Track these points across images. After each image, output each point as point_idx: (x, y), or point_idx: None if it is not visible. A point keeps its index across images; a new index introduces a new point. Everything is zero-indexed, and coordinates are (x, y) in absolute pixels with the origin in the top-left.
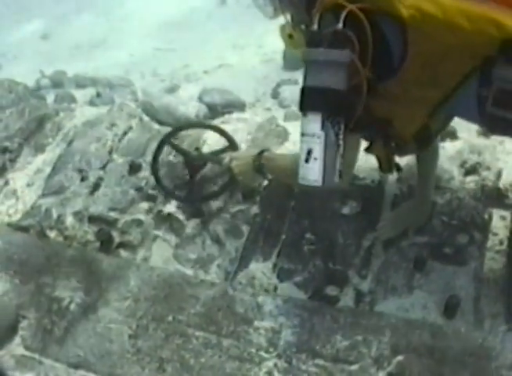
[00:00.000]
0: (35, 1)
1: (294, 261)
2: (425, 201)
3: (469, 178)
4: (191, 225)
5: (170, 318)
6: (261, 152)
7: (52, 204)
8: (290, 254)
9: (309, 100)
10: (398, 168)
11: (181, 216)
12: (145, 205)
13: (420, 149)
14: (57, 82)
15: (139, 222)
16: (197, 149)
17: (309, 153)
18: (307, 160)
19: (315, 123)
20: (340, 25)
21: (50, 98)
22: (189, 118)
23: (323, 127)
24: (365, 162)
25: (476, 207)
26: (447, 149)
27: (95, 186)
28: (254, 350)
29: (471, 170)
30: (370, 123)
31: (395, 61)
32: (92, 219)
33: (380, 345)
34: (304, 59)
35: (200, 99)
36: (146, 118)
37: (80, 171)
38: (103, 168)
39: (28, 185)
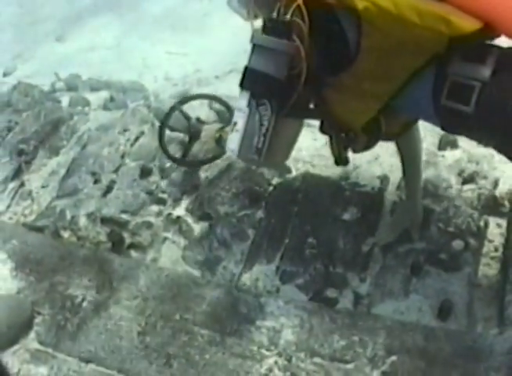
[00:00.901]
0: (50, 2)
1: (296, 264)
2: (415, 201)
3: (466, 187)
4: (199, 228)
5: (177, 316)
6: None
7: (66, 206)
8: (293, 258)
9: (245, 79)
10: (346, 161)
11: (189, 219)
12: (155, 208)
13: (370, 143)
14: (72, 85)
15: (149, 225)
16: (198, 119)
17: (234, 125)
18: (232, 131)
19: (243, 99)
20: (288, 16)
21: (65, 101)
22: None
23: (249, 105)
24: (366, 170)
25: (472, 215)
26: (446, 158)
27: (108, 189)
28: (255, 348)
29: (469, 179)
30: (322, 112)
31: (351, 52)
32: (105, 221)
33: (375, 346)
34: (253, 41)
35: (210, 105)
36: (157, 124)
37: (93, 174)
38: (116, 171)
39: (43, 186)
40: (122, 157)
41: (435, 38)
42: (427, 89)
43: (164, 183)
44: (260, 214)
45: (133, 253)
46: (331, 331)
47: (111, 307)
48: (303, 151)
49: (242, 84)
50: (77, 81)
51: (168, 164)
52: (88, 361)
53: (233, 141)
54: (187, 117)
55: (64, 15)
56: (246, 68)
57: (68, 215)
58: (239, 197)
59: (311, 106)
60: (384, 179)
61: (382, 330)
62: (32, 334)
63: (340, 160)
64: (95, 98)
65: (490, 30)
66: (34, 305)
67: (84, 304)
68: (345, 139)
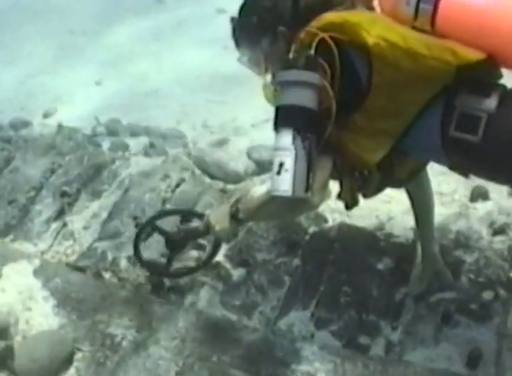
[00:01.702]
0: (89, 46)
1: (331, 311)
2: (430, 248)
3: (497, 238)
4: (237, 274)
5: (214, 358)
6: (239, 198)
7: (108, 248)
8: (328, 305)
9: (281, 117)
10: (356, 203)
11: (228, 265)
12: (194, 253)
13: (382, 184)
14: (112, 130)
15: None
16: (178, 228)
17: (281, 165)
18: (278, 173)
19: (286, 137)
20: (312, 51)
21: (105, 145)
22: (239, 174)
23: (294, 141)
24: (401, 222)
25: (502, 266)
26: (478, 209)
27: (148, 233)
28: None
29: (499, 230)
30: (336, 151)
31: (362, 90)
32: (145, 264)
33: None
34: (277, 80)
35: (249, 155)
36: (197, 172)
37: (135, 218)
38: None
39: (85, 228)
40: (163, 202)
41: (443, 68)
42: (435, 123)
43: None
44: (296, 261)
45: (172, 296)
46: None
47: (150, 347)
48: (339, 202)
49: (277, 125)
50: (117, 126)
51: (208, 210)
52: None
53: (284, 181)
54: (163, 233)
55: (103, 59)
56: (276, 109)
57: (109, 257)
58: (276, 245)
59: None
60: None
61: None
62: (72, 370)
63: (353, 202)
64: (135, 143)
65: (494, 61)
66: (74, 341)
67: (124, 343)
68: (359, 178)
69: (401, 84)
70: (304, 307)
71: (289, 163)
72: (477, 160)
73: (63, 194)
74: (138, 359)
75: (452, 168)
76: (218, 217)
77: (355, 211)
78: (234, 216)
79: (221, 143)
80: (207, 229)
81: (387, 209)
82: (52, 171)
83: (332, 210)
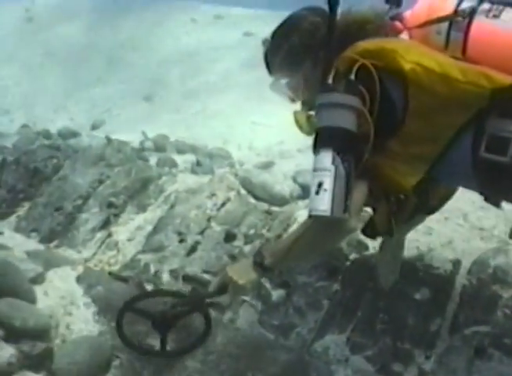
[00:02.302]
0: (139, 62)
1: (366, 337)
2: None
3: None
4: (277, 295)
5: (249, 375)
6: (261, 248)
7: (151, 260)
8: (364, 331)
9: (322, 138)
10: (391, 230)
11: (268, 285)
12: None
13: (418, 207)
14: (159, 146)
15: None
16: (164, 312)
17: (320, 185)
18: (317, 193)
19: (326, 158)
20: (353, 76)
21: (153, 160)
22: (284, 197)
23: (334, 161)
24: (440, 254)
25: None
26: None
27: (192, 249)
28: None
29: None
30: (372, 176)
31: (398, 116)
32: (187, 278)
33: None
34: (318, 103)
35: (294, 179)
36: (243, 192)
37: (179, 233)
38: (201, 233)
39: (129, 239)
40: (208, 220)
41: (478, 92)
42: (466, 146)
43: (247, 249)
44: (336, 286)
45: (212, 312)
46: None
47: (187, 359)
48: None
49: (317, 146)
50: (164, 142)
51: (252, 230)
52: None
53: (323, 201)
54: (146, 315)
55: (153, 76)
56: (317, 130)
57: (152, 269)
58: (317, 269)
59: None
60: (457, 263)
61: None
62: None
63: (388, 230)
64: (182, 160)
65: None
66: (113, 348)
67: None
68: (394, 204)
69: (436, 108)
70: (340, 331)
71: (328, 183)
72: (508, 183)
73: (110, 205)
74: (173, 370)
75: (482, 193)
76: (239, 271)
77: None
78: (260, 265)
79: (267, 166)
80: (224, 288)
81: (428, 241)
82: (100, 182)
83: None
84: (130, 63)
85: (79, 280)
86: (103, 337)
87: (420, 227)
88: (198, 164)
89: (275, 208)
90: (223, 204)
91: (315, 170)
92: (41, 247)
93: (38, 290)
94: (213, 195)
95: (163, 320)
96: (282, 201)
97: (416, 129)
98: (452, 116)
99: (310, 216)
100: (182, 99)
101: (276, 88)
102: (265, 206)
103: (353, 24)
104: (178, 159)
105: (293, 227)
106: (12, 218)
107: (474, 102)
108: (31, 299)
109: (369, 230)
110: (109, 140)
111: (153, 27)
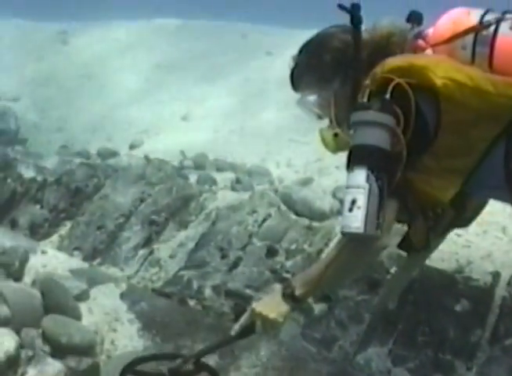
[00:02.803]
0: (176, 82)
1: (408, 349)
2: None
3: None
4: (318, 309)
5: None
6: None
7: (193, 276)
8: (405, 343)
9: (356, 156)
10: (428, 244)
11: (310, 299)
12: (278, 286)
13: (455, 219)
14: (199, 164)
15: None
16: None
17: (353, 202)
18: (350, 210)
19: (360, 176)
20: (388, 95)
21: (192, 178)
22: (324, 212)
23: (368, 179)
24: (480, 266)
25: None
26: None
27: (234, 265)
28: None
29: None
30: (408, 192)
31: (430, 132)
32: (229, 294)
33: None
34: (352, 121)
35: (334, 194)
36: (284, 208)
37: (221, 249)
38: (243, 249)
39: (171, 256)
40: (250, 236)
41: (510, 104)
42: (499, 158)
43: (288, 264)
44: (377, 299)
45: None
46: None
47: (231, 373)
48: None
49: (351, 163)
50: (204, 161)
51: (294, 246)
52: None
53: (357, 219)
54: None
55: (190, 95)
56: (354, 146)
57: (195, 285)
58: (358, 283)
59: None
60: (496, 276)
61: None
62: None
63: (425, 243)
64: (222, 178)
65: None
66: (158, 363)
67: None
68: (432, 218)
69: (470, 122)
70: (382, 344)
71: (362, 200)
72: None
73: (152, 223)
74: None
75: None
76: (268, 305)
77: (436, 253)
78: (291, 296)
79: (306, 182)
80: (252, 326)
81: (467, 253)
82: (142, 200)
83: None
84: (167, 83)
85: (123, 296)
86: (148, 352)
87: (459, 240)
88: (238, 181)
89: (315, 224)
90: (264, 220)
91: (348, 187)
92: (85, 265)
93: (83, 307)
94: (254, 211)
95: None
96: (322, 217)
97: (449, 143)
98: (484, 128)
99: (343, 233)
100: (219, 118)
101: (303, 105)
102: (305, 221)
103: (380, 41)
104: (218, 177)
105: (330, 246)
106: (55, 238)
107: (506, 113)
108: (77, 316)
109: (405, 245)
110: (148, 159)
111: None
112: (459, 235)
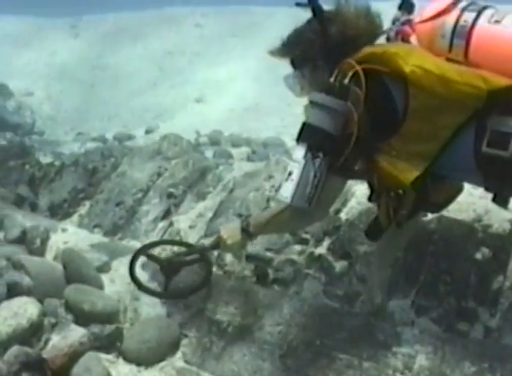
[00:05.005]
0: (188, 66)
1: (431, 299)
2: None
3: None
4: (339, 266)
5: (317, 342)
6: (249, 215)
7: None
8: (427, 293)
9: (303, 133)
10: (399, 224)
11: (330, 258)
12: (298, 247)
13: (416, 205)
14: (214, 141)
15: (292, 262)
16: (171, 259)
17: (289, 174)
18: (286, 180)
19: (300, 151)
20: (347, 80)
21: (208, 154)
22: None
23: (306, 156)
24: (498, 214)
25: None
26: None
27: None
28: (391, 372)
29: None
30: (373, 173)
31: (399, 117)
32: (250, 258)
33: (504, 372)
34: (310, 99)
35: None
36: None
37: (239, 215)
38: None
39: (190, 227)
40: (267, 201)
41: (475, 93)
42: (469, 143)
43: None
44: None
45: (276, 287)
46: (463, 358)
47: (255, 332)
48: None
49: (299, 138)
50: (219, 137)
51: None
52: None
53: (288, 189)
54: (157, 260)
55: (203, 79)
56: (304, 123)
57: (215, 252)
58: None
59: (360, 167)
60: None
61: (511, 357)
62: (179, 354)
63: (397, 223)
64: (238, 152)
65: None
66: (181, 328)
67: (230, 329)
68: (394, 198)
69: (435, 108)
70: (404, 295)
71: (295, 174)
72: (510, 177)
73: (170, 196)
74: (243, 343)
75: (487, 188)
76: (229, 232)
77: (453, 205)
78: (245, 231)
79: None
80: (218, 244)
81: (484, 203)
82: (159, 175)
83: None
84: (179, 68)
85: (144, 266)
86: (171, 317)
87: (476, 192)
88: (253, 152)
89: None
90: (281, 185)
91: (291, 159)
92: (105, 240)
93: (105, 278)
94: (270, 177)
95: (169, 266)
96: None
97: (415, 128)
98: (450, 116)
99: (276, 199)
100: (233, 98)
101: (287, 82)
102: None
103: (347, 26)
104: (234, 151)
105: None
106: (75, 217)
107: (471, 102)
108: (98, 286)
109: (372, 231)
110: (164, 135)
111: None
112: (475, 187)
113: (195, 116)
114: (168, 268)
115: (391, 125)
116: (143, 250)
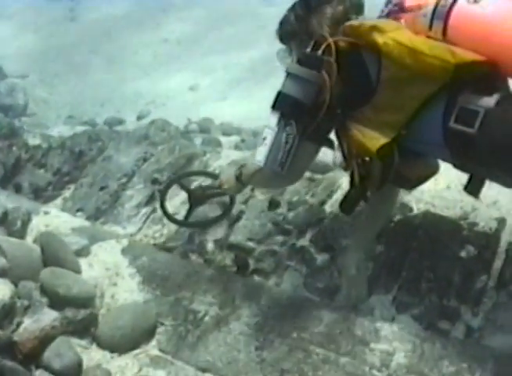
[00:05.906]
0: (184, 53)
1: (412, 295)
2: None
3: None
4: (321, 259)
5: (294, 335)
6: (244, 164)
7: (195, 232)
8: (409, 290)
9: (277, 101)
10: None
11: (312, 249)
12: (280, 238)
13: (384, 177)
14: (204, 128)
15: (274, 253)
16: (200, 186)
17: (264, 139)
18: (260, 145)
19: (273, 118)
20: (320, 52)
21: (197, 141)
22: (327, 165)
23: (278, 123)
24: (485, 212)
25: None
26: None
27: (237, 219)
28: (367, 368)
29: None
30: (344, 140)
31: (372, 86)
32: (231, 247)
33: (483, 373)
34: (286, 69)
35: (336, 147)
36: None
37: (223, 204)
38: (245, 202)
39: (174, 214)
40: (252, 189)
41: (442, 66)
42: (437, 118)
43: (290, 215)
44: (380, 248)
45: (256, 277)
46: (441, 357)
47: (232, 323)
48: (425, 193)
49: (274, 106)
50: (209, 125)
51: (296, 197)
52: (204, 370)
53: (261, 153)
54: (187, 190)
55: (197, 67)
56: (279, 92)
57: (197, 240)
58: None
59: (333, 134)
60: (501, 221)
61: (490, 358)
62: (153, 342)
63: (361, 193)
64: (227, 141)
65: (493, 64)
66: (157, 316)
67: (206, 318)
68: (362, 167)
69: (404, 80)
70: (386, 291)
71: (268, 139)
72: (476, 154)
73: (154, 181)
74: (219, 333)
75: (456, 165)
76: (226, 177)
77: (440, 201)
78: (238, 178)
79: None
80: (220, 187)
81: (472, 201)
82: (145, 160)
83: (418, 200)
84: (175, 55)
85: (124, 252)
86: (148, 305)
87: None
88: (242, 141)
89: (318, 176)
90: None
91: (266, 125)
92: (87, 224)
93: (83, 262)
94: None
95: (195, 196)
96: (325, 168)
97: (386, 98)
98: (418, 87)
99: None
100: (227, 87)
101: (278, 56)
102: (308, 174)
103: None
104: (223, 139)
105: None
106: (59, 201)
107: (438, 75)
108: (76, 270)
109: (345, 203)
110: (152, 121)
111: (198, 23)
112: (464, 184)
113: (187, 103)
114: (195, 197)
115: (365, 95)
116: (177, 179)
